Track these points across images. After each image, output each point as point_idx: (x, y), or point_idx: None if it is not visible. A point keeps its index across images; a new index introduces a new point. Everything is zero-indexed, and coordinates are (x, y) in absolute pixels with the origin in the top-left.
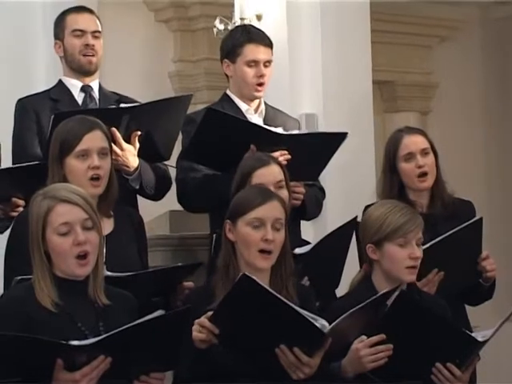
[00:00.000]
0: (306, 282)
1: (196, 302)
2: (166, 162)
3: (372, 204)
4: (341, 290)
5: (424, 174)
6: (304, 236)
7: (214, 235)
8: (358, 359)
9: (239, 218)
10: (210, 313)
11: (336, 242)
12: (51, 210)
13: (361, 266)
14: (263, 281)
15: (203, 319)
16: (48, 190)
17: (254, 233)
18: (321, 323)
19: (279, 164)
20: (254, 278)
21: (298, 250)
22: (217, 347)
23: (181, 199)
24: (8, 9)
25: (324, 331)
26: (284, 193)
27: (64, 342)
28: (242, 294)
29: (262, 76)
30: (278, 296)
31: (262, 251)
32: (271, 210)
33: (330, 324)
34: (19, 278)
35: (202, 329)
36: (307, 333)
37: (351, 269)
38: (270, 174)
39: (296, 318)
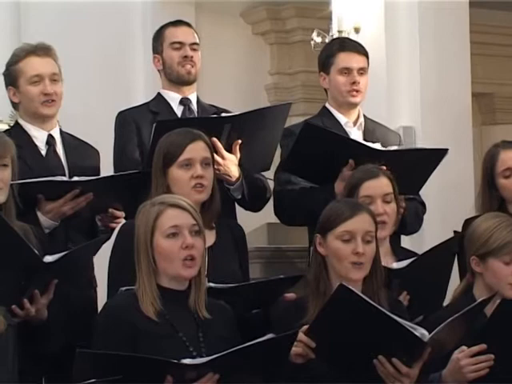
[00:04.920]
0: (404, 297)
1: (290, 316)
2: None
3: (472, 218)
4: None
5: None
6: None
7: (311, 248)
8: (459, 369)
9: (329, 232)
10: (305, 327)
11: (438, 257)
12: (161, 214)
13: (460, 277)
14: None
15: (299, 333)
16: (156, 199)
17: (344, 246)
18: (420, 332)
19: (388, 177)
20: (351, 287)
21: (395, 265)
22: (314, 361)
23: (277, 212)
24: (108, 27)
25: (424, 340)
26: (392, 206)
27: (177, 362)
28: (340, 304)
29: (355, 83)
30: (376, 305)
31: (353, 263)
32: (361, 223)
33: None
34: (124, 288)
35: (298, 343)
36: (406, 342)
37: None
38: (378, 186)
39: (395, 327)
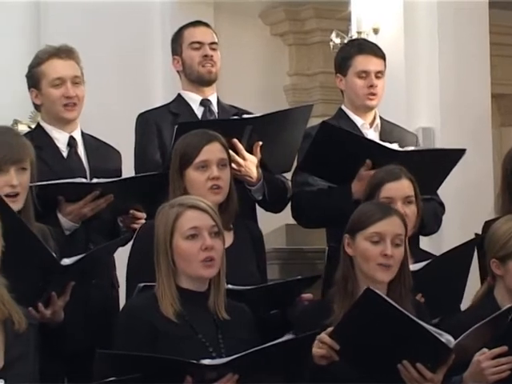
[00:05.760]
0: (420, 298)
1: (313, 316)
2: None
3: (493, 220)
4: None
5: None
6: None
7: (327, 248)
8: (480, 372)
9: (358, 233)
10: (330, 328)
11: (455, 260)
12: (180, 215)
13: (481, 280)
14: None
15: (323, 335)
16: (175, 200)
17: (373, 248)
18: (446, 338)
19: (410, 179)
20: (378, 292)
21: (410, 267)
22: (337, 363)
23: (295, 213)
24: (127, 27)
25: (450, 346)
26: (412, 208)
27: (196, 362)
28: (366, 308)
29: (372, 86)
30: (403, 310)
31: (380, 265)
32: (391, 226)
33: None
34: (142, 284)
35: (322, 345)
36: (432, 348)
37: (470, 282)
38: (399, 188)
39: (421, 332)
